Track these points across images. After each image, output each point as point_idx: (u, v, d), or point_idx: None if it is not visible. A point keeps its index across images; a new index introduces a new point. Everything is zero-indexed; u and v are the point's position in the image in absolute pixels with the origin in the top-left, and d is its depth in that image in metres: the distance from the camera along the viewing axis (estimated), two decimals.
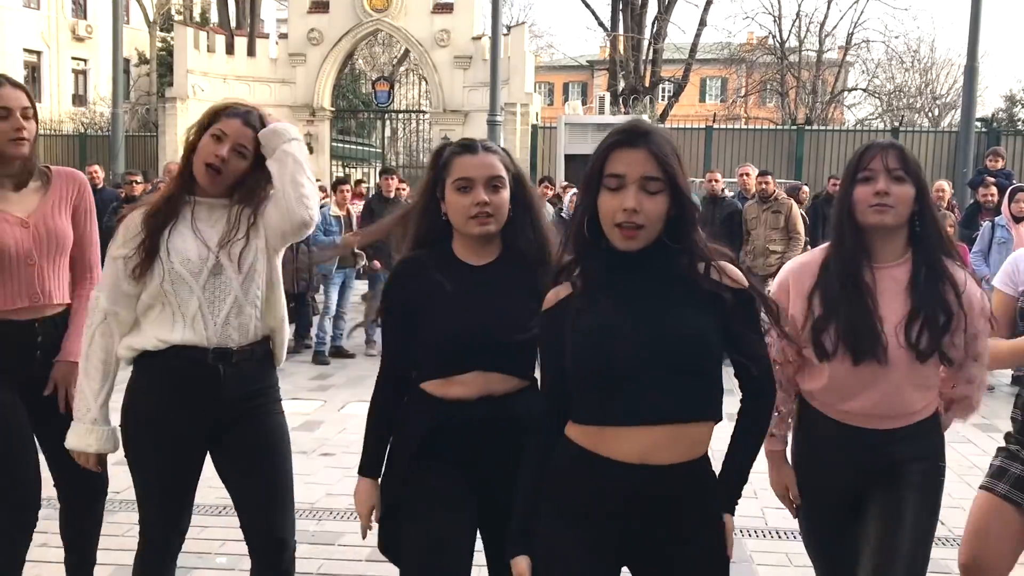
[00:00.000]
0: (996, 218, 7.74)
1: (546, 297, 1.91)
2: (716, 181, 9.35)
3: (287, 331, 2.66)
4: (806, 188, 11.81)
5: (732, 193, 10.03)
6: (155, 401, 2.46)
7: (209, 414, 2.47)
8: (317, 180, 2.67)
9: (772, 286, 2.32)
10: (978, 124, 18.12)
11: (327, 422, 6.22)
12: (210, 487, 4.84)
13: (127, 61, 27.20)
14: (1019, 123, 29.30)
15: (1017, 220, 7.68)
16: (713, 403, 1.84)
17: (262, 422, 2.54)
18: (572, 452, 1.84)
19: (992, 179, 9.24)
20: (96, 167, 10.85)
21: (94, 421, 2.48)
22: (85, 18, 32.56)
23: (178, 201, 2.45)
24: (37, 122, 2.78)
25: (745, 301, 1.84)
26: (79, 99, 31.60)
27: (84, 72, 32.75)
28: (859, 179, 2.17)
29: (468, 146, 2.26)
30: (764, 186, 8.86)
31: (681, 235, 1.80)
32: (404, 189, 9.62)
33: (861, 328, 2.13)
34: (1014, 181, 9.40)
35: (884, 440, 2.24)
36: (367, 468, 2.29)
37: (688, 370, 1.77)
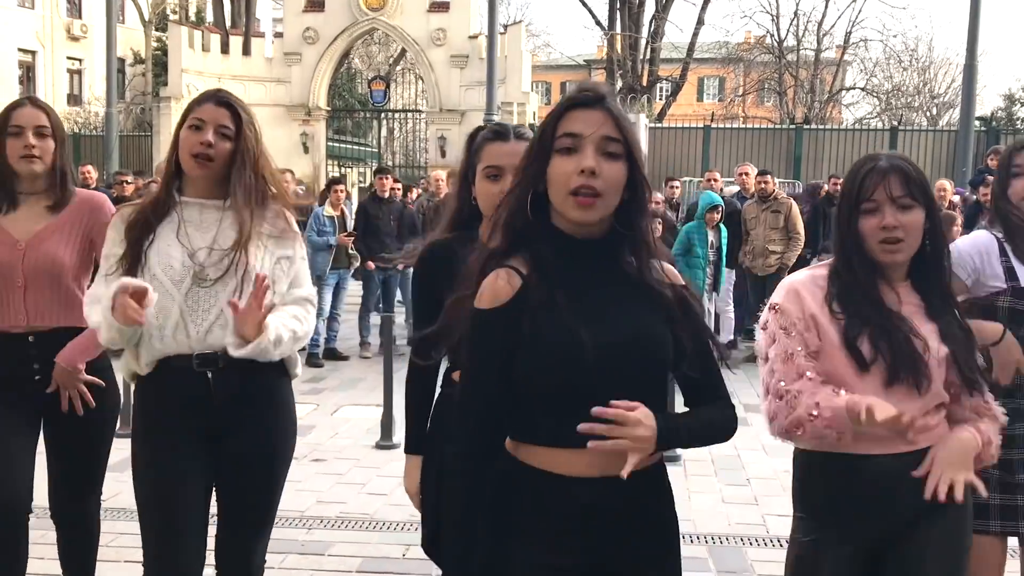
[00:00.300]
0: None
1: (486, 289, 1.61)
2: (715, 180, 9.26)
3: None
4: (826, 187, 11.56)
5: (737, 189, 9.94)
6: (152, 419, 2.39)
7: (204, 424, 2.36)
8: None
9: (776, 296, 2.07)
10: (977, 123, 18.04)
11: (319, 426, 6.11)
12: None
13: (122, 61, 27.08)
14: (1018, 122, 29.22)
15: None
16: (665, 410, 1.68)
17: (261, 435, 2.42)
18: (518, 471, 1.65)
19: (992, 178, 9.13)
20: (88, 167, 10.68)
21: (114, 336, 2.33)
22: (80, 17, 32.42)
23: (166, 205, 2.37)
24: (58, 142, 2.74)
25: (687, 306, 1.68)
26: (74, 99, 31.46)
27: (79, 72, 32.61)
28: (863, 210, 1.96)
29: (500, 132, 2.21)
30: (763, 186, 8.76)
31: (633, 221, 1.62)
32: (399, 189, 9.51)
33: (899, 347, 1.92)
34: None
35: (901, 473, 1.94)
36: (410, 446, 2.35)
37: (649, 383, 1.63)
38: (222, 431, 2.38)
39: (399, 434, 5.71)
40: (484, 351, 1.63)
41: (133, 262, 2.31)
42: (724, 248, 8.41)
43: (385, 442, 5.61)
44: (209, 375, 2.33)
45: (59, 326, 2.75)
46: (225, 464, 2.41)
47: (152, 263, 2.30)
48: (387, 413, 5.68)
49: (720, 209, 8.24)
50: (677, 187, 10.74)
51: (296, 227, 2.49)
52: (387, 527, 4.26)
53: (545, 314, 1.58)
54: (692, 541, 4.15)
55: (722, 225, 8.35)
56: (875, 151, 2.12)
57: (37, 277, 2.71)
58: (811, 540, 2.04)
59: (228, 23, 23.81)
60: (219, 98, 2.37)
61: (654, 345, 1.61)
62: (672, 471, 5.42)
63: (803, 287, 2.02)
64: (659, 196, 9.37)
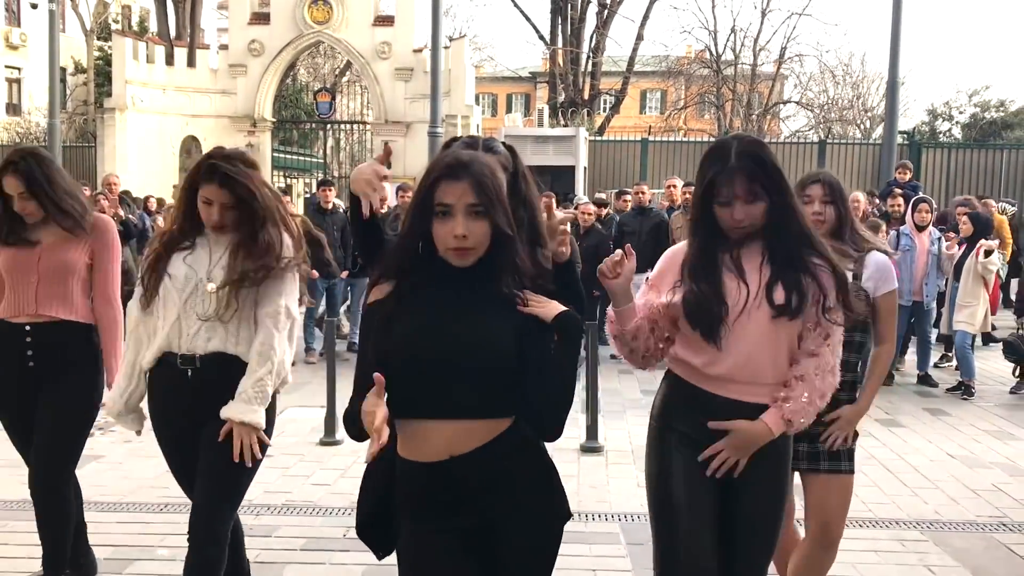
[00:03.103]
0: (901, 227, 8.28)
1: (371, 291, 2.11)
2: (643, 193, 9.78)
3: (272, 366, 2.92)
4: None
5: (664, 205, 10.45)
6: (154, 403, 3.01)
7: (188, 413, 2.90)
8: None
9: (657, 263, 2.56)
10: (901, 137, 18.93)
11: None
12: (152, 487, 5.09)
13: (63, 70, 26.84)
14: (940, 136, 30.53)
15: (920, 229, 8.24)
16: (509, 400, 2.02)
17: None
18: (399, 462, 2.08)
19: (899, 190, 9.84)
20: None
21: (118, 415, 3.05)
22: (19, 26, 32.04)
23: (181, 239, 2.95)
24: (40, 195, 3.28)
25: (535, 325, 2.02)
26: (13, 108, 31.08)
27: (18, 81, 32.23)
28: (717, 201, 2.35)
29: (470, 144, 2.53)
30: (689, 196, 9.31)
31: (496, 258, 2.02)
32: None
33: (700, 302, 2.34)
34: (920, 192, 10.00)
35: (733, 414, 2.40)
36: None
37: (490, 372, 1.98)
38: (203, 415, 2.88)
39: (341, 431, 6.04)
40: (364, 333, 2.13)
41: (151, 284, 2.91)
42: None
43: (328, 439, 5.96)
44: (188, 372, 2.89)
45: (59, 318, 3.33)
46: (203, 443, 2.90)
47: (165, 276, 2.90)
48: (330, 412, 6.03)
49: None
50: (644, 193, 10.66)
51: (291, 259, 2.95)
52: (329, 512, 4.63)
53: (400, 318, 2.02)
54: (606, 519, 4.60)
55: None
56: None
57: (49, 274, 3.31)
58: (663, 441, 2.50)
59: (173, 34, 23.82)
60: (220, 179, 2.84)
61: (492, 344, 1.99)
62: (593, 461, 5.91)
63: (671, 256, 2.52)
64: (591, 207, 9.85)
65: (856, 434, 3.10)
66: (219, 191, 2.84)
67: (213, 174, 2.85)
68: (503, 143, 2.61)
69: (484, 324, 2.00)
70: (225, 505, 2.94)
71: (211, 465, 2.88)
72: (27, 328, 3.31)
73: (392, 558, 3.97)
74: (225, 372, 2.89)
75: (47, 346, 3.33)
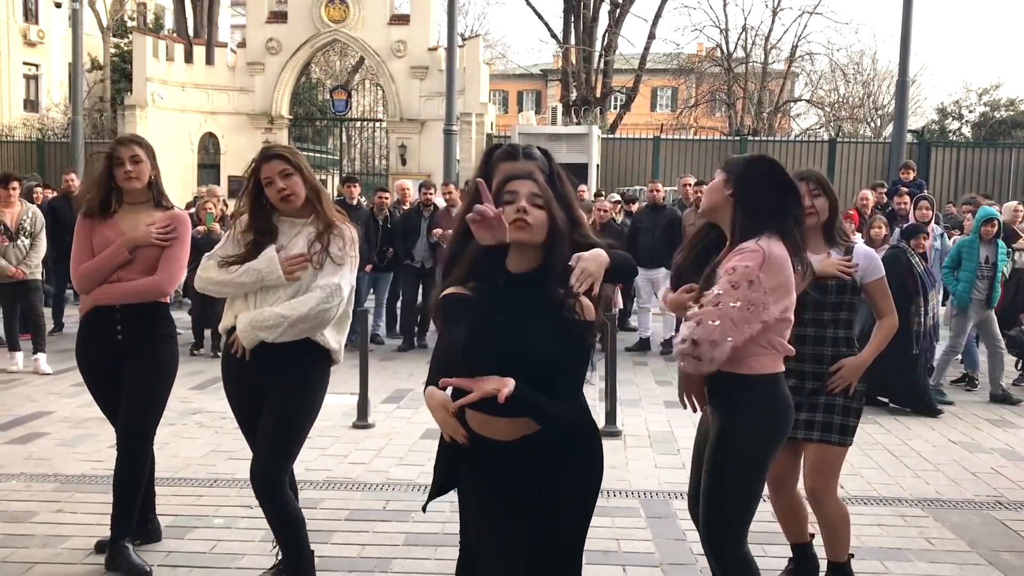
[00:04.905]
0: (906, 224, 8.56)
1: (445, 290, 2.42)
2: (657, 191, 10.09)
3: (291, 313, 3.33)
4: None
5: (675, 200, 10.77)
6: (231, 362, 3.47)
7: (257, 372, 3.37)
8: None
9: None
10: (910, 136, 19.15)
11: None
12: (200, 464, 5.42)
13: None
14: (950, 135, 30.70)
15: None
16: (561, 393, 2.32)
17: (286, 390, 3.39)
18: (472, 433, 2.37)
19: (905, 188, 10.14)
20: (73, 175, 11.21)
21: None
22: (37, 23, 32.46)
23: (270, 224, 3.39)
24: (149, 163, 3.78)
25: (576, 334, 2.32)
26: (31, 104, 31.50)
27: (36, 77, 32.65)
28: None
29: (511, 153, 2.90)
30: (700, 195, 9.59)
31: (553, 258, 2.33)
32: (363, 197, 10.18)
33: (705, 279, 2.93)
34: (924, 191, 10.27)
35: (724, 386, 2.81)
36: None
37: (535, 372, 2.26)
38: (268, 378, 3.37)
39: (372, 416, 6.40)
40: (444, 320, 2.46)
41: (246, 259, 3.34)
42: (1001, 263, 7.82)
43: (361, 422, 6.29)
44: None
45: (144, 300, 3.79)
46: (266, 399, 3.37)
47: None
48: (363, 397, 6.36)
49: (995, 222, 7.75)
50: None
51: (345, 237, 3.41)
52: (368, 488, 4.96)
53: (466, 319, 2.34)
54: (627, 496, 4.91)
55: (1000, 241, 7.83)
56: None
57: (131, 264, 3.74)
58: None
59: (190, 32, 24.18)
60: (268, 155, 3.35)
61: (538, 350, 2.29)
62: (612, 444, 6.23)
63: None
64: (607, 204, 10.15)
65: (863, 391, 3.48)
66: (270, 164, 3.29)
67: (264, 156, 3.32)
68: (538, 147, 2.94)
69: (529, 332, 2.30)
70: (283, 455, 3.42)
71: (275, 417, 3.35)
72: (116, 306, 3.75)
73: (430, 527, 4.32)
74: (302, 345, 3.36)
75: (133, 323, 3.76)
